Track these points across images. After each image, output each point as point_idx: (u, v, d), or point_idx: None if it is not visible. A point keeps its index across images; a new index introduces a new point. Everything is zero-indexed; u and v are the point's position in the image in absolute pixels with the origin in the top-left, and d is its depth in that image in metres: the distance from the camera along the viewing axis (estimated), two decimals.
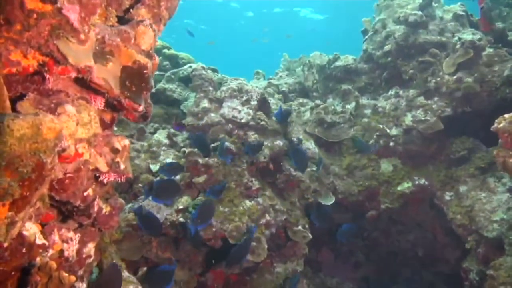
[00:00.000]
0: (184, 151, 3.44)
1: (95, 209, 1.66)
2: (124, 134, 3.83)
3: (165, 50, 5.49)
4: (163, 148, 3.71)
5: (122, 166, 1.59)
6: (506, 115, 2.37)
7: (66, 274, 1.16)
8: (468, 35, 4.07)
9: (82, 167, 1.40)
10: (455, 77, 3.91)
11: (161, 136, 3.81)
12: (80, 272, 1.79)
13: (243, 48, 21.22)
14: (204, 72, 3.92)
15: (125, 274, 2.27)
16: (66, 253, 1.50)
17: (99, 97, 1.48)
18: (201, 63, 4.03)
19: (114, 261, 2.21)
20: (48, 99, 1.22)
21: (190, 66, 4.31)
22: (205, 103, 3.78)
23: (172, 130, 4.19)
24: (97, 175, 1.56)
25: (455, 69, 3.93)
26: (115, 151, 1.56)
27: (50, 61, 1.01)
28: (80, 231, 1.73)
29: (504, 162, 2.35)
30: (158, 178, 3.34)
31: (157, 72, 5.24)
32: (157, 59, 1.57)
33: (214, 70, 5.02)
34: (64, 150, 1.19)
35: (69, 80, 1.29)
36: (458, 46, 3.96)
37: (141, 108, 1.50)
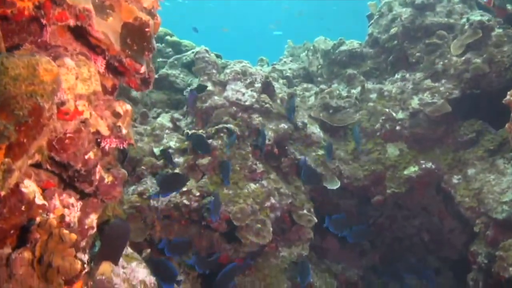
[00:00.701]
0: (188, 133, 3.39)
1: (97, 177, 1.62)
2: None
3: (168, 37, 5.43)
4: (166, 131, 3.67)
5: (124, 131, 1.55)
6: None
7: (67, 231, 1.12)
8: (476, 16, 3.99)
9: (83, 128, 1.36)
10: (463, 58, 3.84)
11: (164, 119, 3.77)
12: (83, 244, 1.75)
13: (250, 38, 21.10)
14: (207, 55, 3.87)
15: (129, 250, 2.24)
16: (67, 219, 1.46)
17: (100, 57, 1.44)
18: (204, 47, 3.97)
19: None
20: (46, 52, 1.18)
21: (193, 52, 4.25)
22: (208, 86, 3.73)
23: (175, 115, 4.15)
24: (98, 140, 1.52)
25: (463, 50, 3.85)
26: (116, 115, 1.52)
27: (47, 1, 0.97)
28: (83, 201, 1.70)
29: None
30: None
31: (159, 59, 5.20)
32: (159, 19, 1.52)
33: (218, 56, 4.97)
34: (63, 103, 1.14)
35: (67, 34, 1.24)
36: (466, 27, 3.88)
37: (142, 69, 1.45)
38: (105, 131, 1.47)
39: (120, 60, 1.38)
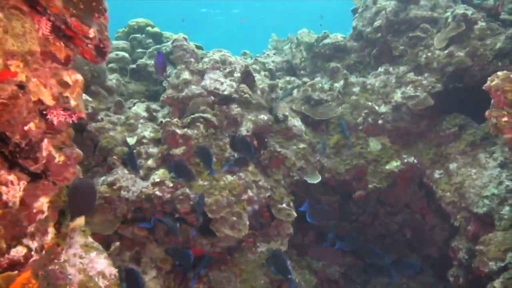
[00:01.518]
0: (162, 122, 3.26)
1: (44, 154, 1.48)
2: (100, 107, 3.64)
3: (149, 28, 5.29)
4: (141, 121, 3.52)
5: (73, 103, 1.42)
6: (499, 73, 2.24)
7: None
8: (460, 9, 3.94)
9: (20, 94, 1.22)
10: (446, 51, 3.78)
11: (139, 109, 3.62)
12: (31, 229, 1.61)
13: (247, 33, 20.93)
14: (185, 43, 3.73)
15: (89, 239, 2.09)
16: (4, 197, 1.32)
17: (43, 18, 1.30)
18: (182, 34, 3.84)
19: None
20: None
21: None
22: (186, 75, 3.60)
23: (153, 106, 4.01)
24: (44, 111, 1.38)
25: (447, 43, 3.80)
26: (64, 84, 1.38)
27: None
28: (32, 183, 1.55)
29: (497, 123, 2.21)
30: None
31: (139, 50, 5.05)
32: None
33: (198, 47, 4.84)
34: None
35: None
36: (449, 20, 3.82)
37: (92, 33, 1.32)
38: (49, 100, 1.33)
39: (65, 21, 1.25)
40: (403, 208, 4.24)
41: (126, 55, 4.79)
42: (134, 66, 4.52)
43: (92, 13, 1.28)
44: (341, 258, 4.64)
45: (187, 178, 3.05)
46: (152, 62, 4.63)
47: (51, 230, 1.77)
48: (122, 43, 5.09)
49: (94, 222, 2.87)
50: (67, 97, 1.37)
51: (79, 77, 1.42)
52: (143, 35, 5.23)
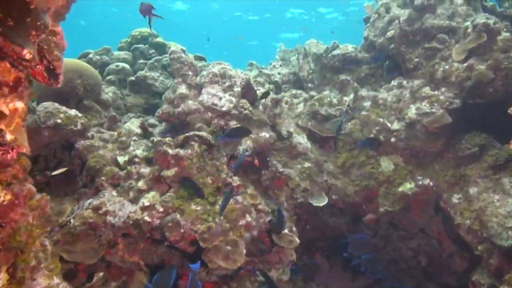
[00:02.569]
0: (153, 140, 3.03)
1: None
2: (93, 122, 3.45)
3: (152, 38, 5.12)
4: (134, 138, 3.31)
5: (9, 137, 1.19)
6: None
7: None
8: (481, 18, 3.62)
9: None
10: (465, 64, 3.46)
11: (132, 125, 3.41)
12: None
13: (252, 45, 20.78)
14: (183, 55, 3.52)
15: (55, 280, 1.86)
16: None
17: None
18: (181, 46, 3.63)
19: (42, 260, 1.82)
20: None
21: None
22: (182, 89, 3.38)
23: (151, 120, 3.80)
24: None
25: (466, 55, 3.48)
26: None
27: None
28: None
29: None
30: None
31: (141, 61, 4.88)
32: None
33: (201, 58, 4.64)
34: None
35: None
36: (469, 30, 3.51)
37: (26, 54, 1.09)
38: None
39: None
40: (418, 233, 3.90)
41: (127, 66, 4.61)
42: (133, 78, 4.34)
43: (27, 30, 1.05)
44: (350, 283, 4.33)
45: (198, 194, 2.89)
46: (152, 74, 4.44)
47: (2, 276, 1.55)
48: (123, 54, 4.93)
49: (76, 251, 2.65)
50: (0, 130, 1.15)
51: (20, 105, 1.20)
52: (146, 46, 5.06)
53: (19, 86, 1.32)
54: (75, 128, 3.08)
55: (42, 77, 1.33)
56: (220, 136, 3.11)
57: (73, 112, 3.13)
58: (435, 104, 3.52)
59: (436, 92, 3.57)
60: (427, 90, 3.63)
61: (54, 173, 2.56)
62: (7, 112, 1.15)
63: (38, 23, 1.07)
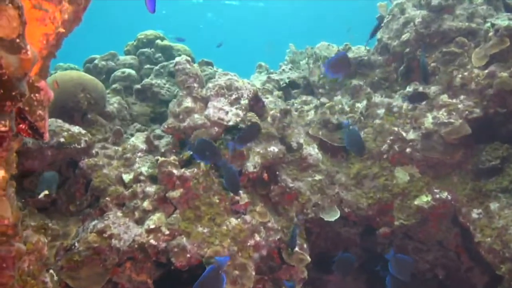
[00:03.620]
0: (158, 160, 2.94)
1: None
2: (97, 137, 3.37)
3: (158, 41, 5.00)
4: (139, 154, 3.23)
5: None
6: None
7: None
8: (503, 20, 3.39)
9: None
10: (486, 71, 3.25)
11: (137, 140, 3.33)
12: None
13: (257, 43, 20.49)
14: (188, 66, 3.40)
15: None
16: None
17: None
18: (186, 56, 3.49)
19: None
20: None
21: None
22: (188, 102, 3.27)
23: (157, 131, 3.71)
24: None
25: (487, 61, 3.27)
26: None
27: None
28: None
29: None
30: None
31: (147, 66, 4.77)
32: (31, 52, 1.04)
33: (208, 64, 4.51)
34: None
35: None
36: (491, 33, 3.29)
37: (1, 127, 0.99)
38: None
39: None
40: (435, 245, 3.75)
41: (133, 72, 4.52)
42: (139, 86, 4.24)
43: (2, 102, 0.95)
44: None
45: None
46: (158, 81, 4.34)
47: None
48: (129, 59, 4.83)
49: (81, 277, 2.60)
50: None
51: (1, 173, 1.10)
52: (152, 49, 4.95)
53: (1, 144, 1.22)
54: (79, 147, 3.01)
55: (27, 134, 1.23)
56: (229, 143, 2.98)
57: (76, 129, 3.05)
58: (454, 113, 3.33)
59: (454, 100, 3.38)
60: (444, 97, 3.44)
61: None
62: None
63: (13, 93, 0.96)
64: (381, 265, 3.40)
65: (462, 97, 3.35)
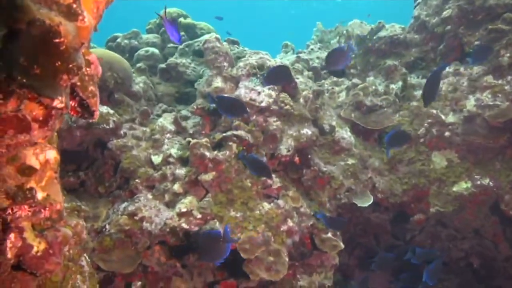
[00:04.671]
0: (189, 141, 2.84)
1: (10, 246, 1.10)
2: (124, 117, 3.28)
3: (181, 19, 4.84)
4: (168, 135, 3.13)
5: (40, 195, 1.00)
6: None
7: None
8: None
9: None
10: None
11: (166, 121, 3.23)
12: None
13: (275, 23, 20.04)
14: (218, 44, 3.25)
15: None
16: None
17: None
18: (215, 34, 3.34)
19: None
20: None
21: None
22: (218, 82, 3.14)
23: (183, 112, 3.60)
24: None
25: None
26: (25, 171, 0.97)
27: None
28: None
29: None
30: None
31: (170, 45, 4.63)
32: (89, 20, 0.92)
33: (234, 42, 4.34)
34: None
35: None
36: None
37: (58, 103, 0.88)
38: (2, 199, 0.92)
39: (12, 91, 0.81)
40: (471, 232, 3.61)
41: (156, 51, 4.39)
42: (163, 66, 4.11)
43: (56, 76, 0.84)
44: (392, 283, 4.12)
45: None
46: (183, 60, 4.20)
47: None
48: (152, 37, 4.70)
49: (113, 260, 2.55)
50: (30, 189, 0.96)
51: (51, 154, 1.00)
52: None
53: (48, 121, 1.12)
54: (108, 127, 2.92)
55: (75, 112, 1.12)
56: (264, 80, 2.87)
57: (104, 109, 2.96)
58: (499, 95, 3.13)
59: (500, 81, 3.17)
60: (489, 78, 3.23)
61: None
62: (37, 165, 0.95)
63: (70, 66, 0.85)
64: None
65: (509, 77, 3.14)
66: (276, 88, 3.09)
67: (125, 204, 2.73)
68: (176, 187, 2.80)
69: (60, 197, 1.07)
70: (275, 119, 3.03)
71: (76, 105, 1.10)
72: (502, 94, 3.12)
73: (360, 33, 4.04)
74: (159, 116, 3.55)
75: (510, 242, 3.36)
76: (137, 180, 2.82)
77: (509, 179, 3.14)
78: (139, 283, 2.60)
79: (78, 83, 1.00)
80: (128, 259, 2.60)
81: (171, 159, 2.95)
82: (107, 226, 2.63)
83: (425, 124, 3.41)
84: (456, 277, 3.88)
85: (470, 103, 3.25)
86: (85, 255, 2.19)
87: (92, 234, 2.67)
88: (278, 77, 2.86)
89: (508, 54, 3.17)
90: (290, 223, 2.84)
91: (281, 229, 2.80)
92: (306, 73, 3.86)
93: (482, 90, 3.23)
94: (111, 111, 3.00)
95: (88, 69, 1.04)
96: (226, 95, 2.67)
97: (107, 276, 2.69)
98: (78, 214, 2.40)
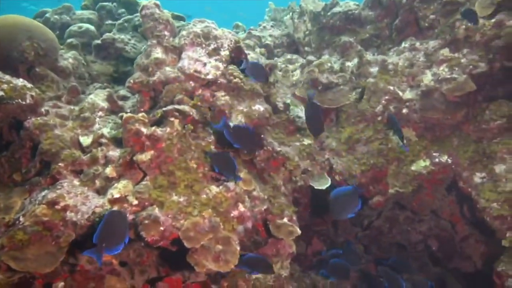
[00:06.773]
0: (122, 116, 2.44)
1: None
2: (48, 94, 2.82)
3: None
4: (99, 113, 2.71)
5: None
6: None
7: None
8: None
9: None
10: (493, 20, 2.95)
11: (97, 97, 2.80)
12: None
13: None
14: (157, 10, 2.88)
15: None
16: None
17: None
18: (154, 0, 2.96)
19: None
20: None
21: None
22: (158, 53, 2.77)
23: (121, 91, 3.20)
24: None
25: (494, 9, 2.96)
26: None
27: None
28: None
29: None
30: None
31: (108, 21, 4.18)
32: None
33: (179, 18, 3.97)
34: None
35: None
36: None
37: None
38: None
39: None
40: (429, 214, 3.50)
41: (92, 27, 3.92)
42: (99, 41, 3.67)
43: None
44: (351, 272, 3.94)
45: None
46: (122, 36, 3.77)
47: None
48: (88, 13, 4.21)
49: (28, 258, 2.10)
50: None
51: None
52: (114, 4, 4.35)
53: None
54: (23, 102, 2.46)
55: None
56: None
57: (20, 81, 2.50)
58: (456, 69, 3.02)
59: (457, 55, 3.06)
60: (446, 52, 3.12)
61: None
62: None
63: None
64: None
65: (465, 50, 3.04)
66: (224, 59, 2.78)
67: (45, 192, 2.29)
68: (108, 170, 2.40)
69: None
70: (223, 93, 2.71)
71: None
72: (459, 67, 3.01)
73: (314, 9, 3.82)
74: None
75: (467, 219, 3.27)
76: (60, 164, 2.38)
77: (467, 156, 3.03)
78: (60, 284, 2.17)
79: None
80: (47, 256, 2.16)
81: (103, 140, 2.55)
82: (21, 218, 2.18)
83: (383, 101, 3.24)
84: (415, 261, 3.77)
85: (427, 78, 3.12)
86: None
87: (2, 229, 2.22)
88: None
89: (463, 27, 3.07)
90: (241, 208, 2.53)
91: (231, 214, 2.48)
92: (258, 49, 3.57)
93: (439, 64, 3.11)
94: (28, 85, 2.54)
95: None
96: (241, 125, 2.44)
97: (23, 278, 2.24)
98: None
